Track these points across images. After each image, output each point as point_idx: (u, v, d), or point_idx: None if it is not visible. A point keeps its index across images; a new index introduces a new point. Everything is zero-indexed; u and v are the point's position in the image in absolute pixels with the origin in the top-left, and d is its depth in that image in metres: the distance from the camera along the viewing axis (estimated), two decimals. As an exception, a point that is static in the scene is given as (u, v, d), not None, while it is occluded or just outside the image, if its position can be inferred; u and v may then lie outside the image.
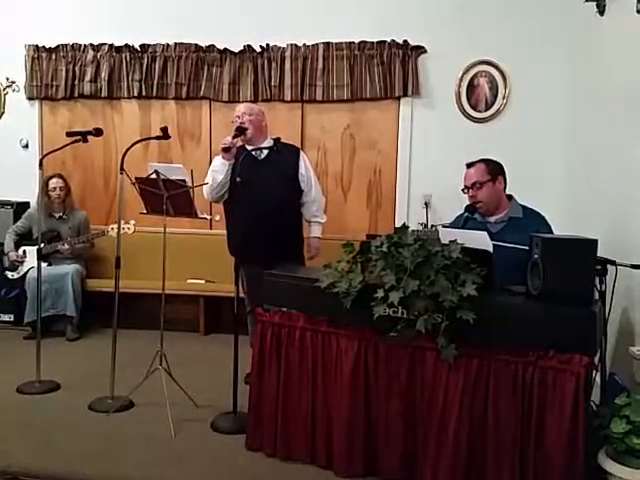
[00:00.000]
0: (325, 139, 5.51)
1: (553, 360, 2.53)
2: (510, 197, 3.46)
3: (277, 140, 3.84)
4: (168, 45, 5.50)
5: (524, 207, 3.42)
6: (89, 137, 3.95)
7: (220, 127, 5.59)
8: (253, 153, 3.97)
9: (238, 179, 3.72)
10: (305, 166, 4.13)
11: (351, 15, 5.27)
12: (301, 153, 4.17)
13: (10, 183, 5.62)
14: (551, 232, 3.24)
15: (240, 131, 3.92)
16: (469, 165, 3.46)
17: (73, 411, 3.63)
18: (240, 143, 3.98)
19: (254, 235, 3.78)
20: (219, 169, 3.94)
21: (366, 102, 5.35)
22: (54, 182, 5.27)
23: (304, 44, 5.31)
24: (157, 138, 3.85)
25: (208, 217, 4.31)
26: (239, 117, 3.98)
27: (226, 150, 3.85)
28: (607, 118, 3.93)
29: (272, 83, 5.38)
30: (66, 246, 5.17)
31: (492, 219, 3.41)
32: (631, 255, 3.10)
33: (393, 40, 5.18)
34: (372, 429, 2.89)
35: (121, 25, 5.56)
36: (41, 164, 4.12)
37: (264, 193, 3.87)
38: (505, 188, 3.45)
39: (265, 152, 3.98)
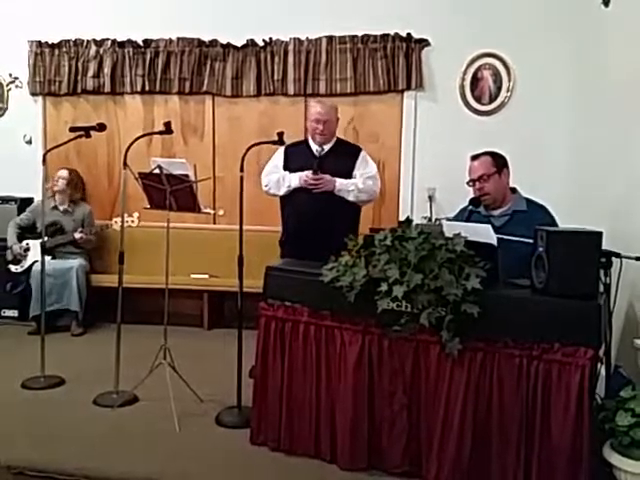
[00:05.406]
0: (329, 133, 5.49)
1: (558, 353, 2.53)
2: (514, 190, 3.44)
3: (339, 139, 3.98)
4: (171, 40, 5.48)
5: (528, 200, 3.39)
6: (92, 132, 3.94)
7: (223, 122, 5.59)
8: (314, 149, 3.96)
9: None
10: (360, 167, 3.99)
11: (354, 8, 5.24)
12: (361, 154, 4.05)
13: (14, 179, 5.61)
14: (555, 225, 3.22)
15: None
16: (474, 157, 3.44)
17: (78, 406, 3.64)
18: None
19: (302, 232, 3.81)
20: (290, 184, 3.91)
21: (369, 96, 5.33)
22: (59, 174, 5.31)
23: (307, 38, 5.29)
24: (160, 133, 3.86)
25: (212, 212, 4.31)
26: (317, 121, 3.90)
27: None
28: (611, 109, 3.91)
29: (275, 77, 5.36)
30: (77, 235, 5.19)
31: (496, 213, 3.38)
32: (636, 247, 3.08)
33: (396, 33, 5.15)
34: (376, 423, 2.89)
35: (124, 20, 5.56)
36: (44, 160, 4.13)
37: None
38: (509, 181, 3.43)
39: (326, 148, 3.95)
